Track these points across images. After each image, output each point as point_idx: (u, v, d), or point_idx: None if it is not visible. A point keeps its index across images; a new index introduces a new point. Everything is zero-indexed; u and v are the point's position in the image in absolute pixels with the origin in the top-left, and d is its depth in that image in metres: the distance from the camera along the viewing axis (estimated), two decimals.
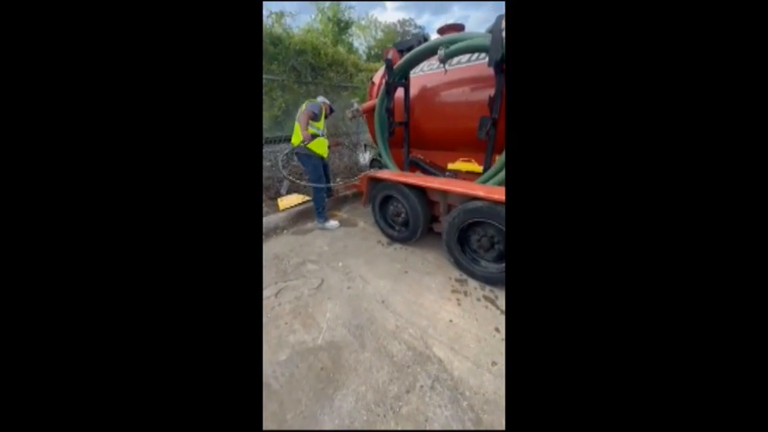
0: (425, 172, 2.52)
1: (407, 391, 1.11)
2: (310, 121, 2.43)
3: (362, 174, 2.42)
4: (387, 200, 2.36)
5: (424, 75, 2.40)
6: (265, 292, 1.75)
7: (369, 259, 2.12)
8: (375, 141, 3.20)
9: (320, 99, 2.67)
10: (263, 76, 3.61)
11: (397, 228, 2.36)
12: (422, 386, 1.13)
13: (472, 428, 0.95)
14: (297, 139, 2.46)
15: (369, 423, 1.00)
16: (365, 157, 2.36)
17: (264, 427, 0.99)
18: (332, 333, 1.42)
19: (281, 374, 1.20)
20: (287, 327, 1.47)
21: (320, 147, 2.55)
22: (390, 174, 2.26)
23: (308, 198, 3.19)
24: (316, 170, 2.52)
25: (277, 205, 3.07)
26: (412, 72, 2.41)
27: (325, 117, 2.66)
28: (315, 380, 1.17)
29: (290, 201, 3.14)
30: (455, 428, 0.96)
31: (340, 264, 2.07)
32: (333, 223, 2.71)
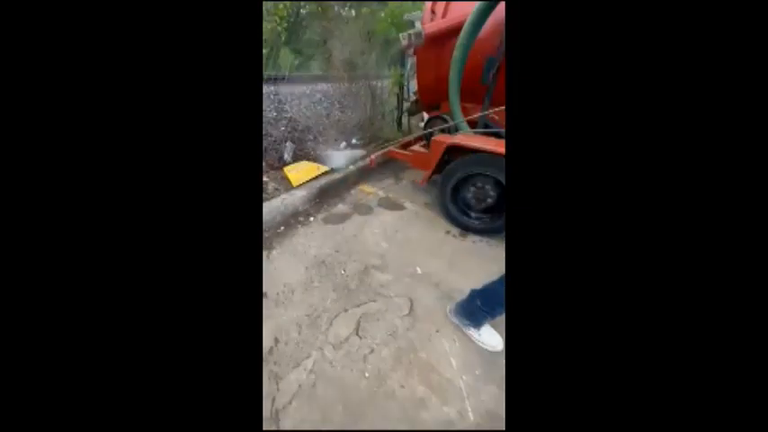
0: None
1: None
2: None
3: (434, 138, 1.71)
4: (466, 179, 1.77)
5: None
6: (339, 328, 1.17)
7: (450, 260, 1.62)
8: (420, 90, 2.38)
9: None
10: None
11: (474, 215, 1.84)
12: None
13: (471, 429, 0.86)
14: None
15: None
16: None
17: None
18: (478, 397, 0.97)
19: None
20: (406, 393, 0.97)
21: None
22: (491, 143, 1.58)
23: (325, 168, 2.39)
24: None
25: (287, 179, 2.24)
26: None
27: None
28: None
29: (302, 173, 2.31)
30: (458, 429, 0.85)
31: (418, 269, 1.53)
32: (494, 341, 1.11)
